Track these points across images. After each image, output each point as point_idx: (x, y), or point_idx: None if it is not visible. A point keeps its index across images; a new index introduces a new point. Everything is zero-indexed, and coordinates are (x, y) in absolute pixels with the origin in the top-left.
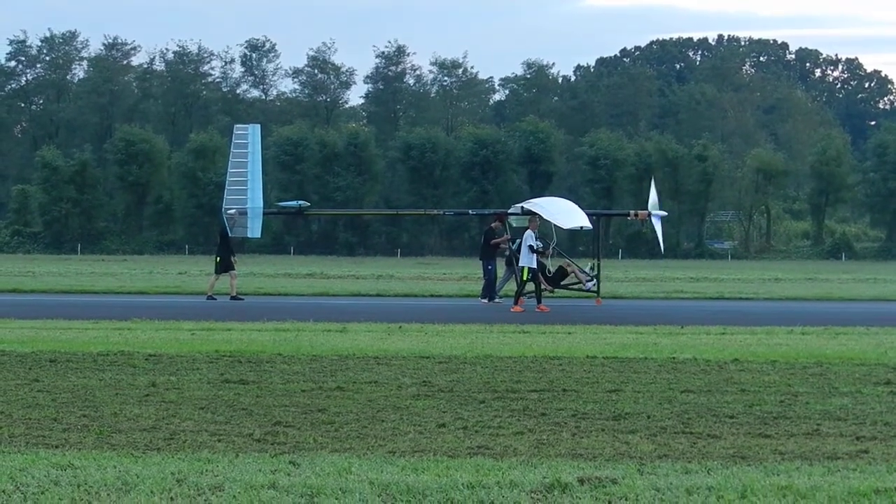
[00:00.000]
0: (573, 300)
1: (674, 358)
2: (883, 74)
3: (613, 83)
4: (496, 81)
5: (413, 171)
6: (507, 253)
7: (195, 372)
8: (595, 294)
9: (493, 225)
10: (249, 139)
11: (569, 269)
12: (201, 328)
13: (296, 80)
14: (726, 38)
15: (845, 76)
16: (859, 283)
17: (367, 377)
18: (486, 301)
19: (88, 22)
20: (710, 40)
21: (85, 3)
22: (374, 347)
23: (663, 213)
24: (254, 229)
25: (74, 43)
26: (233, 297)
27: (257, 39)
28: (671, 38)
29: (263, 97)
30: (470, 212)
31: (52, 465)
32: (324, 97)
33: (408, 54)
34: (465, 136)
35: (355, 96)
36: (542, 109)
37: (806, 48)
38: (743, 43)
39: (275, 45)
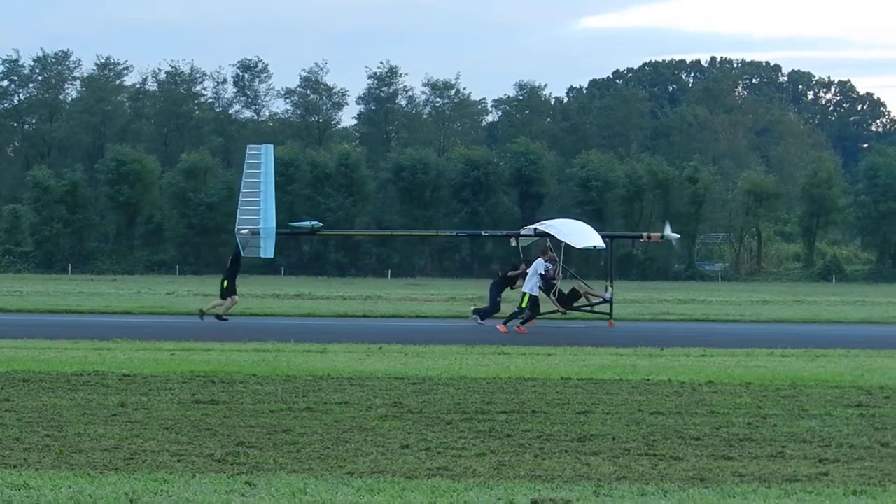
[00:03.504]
0: (586, 322)
1: (648, 380)
2: (875, 97)
3: (605, 105)
4: (489, 103)
5: (404, 192)
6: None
7: (167, 392)
8: (608, 316)
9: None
10: (262, 159)
11: (581, 290)
12: (182, 348)
13: (288, 100)
14: (719, 60)
15: (838, 98)
16: (847, 306)
17: (338, 398)
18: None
19: (81, 42)
20: (703, 62)
21: (78, 23)
22: (351, 368)
23: (676, 235)
24: (267, 249)
25: (67, 63)
26: (219, 317)
27: (250, 60)
28: (664, 60)
29: (256, 118)
30: (483, 233)
31: (6, 485)
32: (316, 118)
33: (400, 75)
34: (455, 156)
35: (347, 117)
36: (534, 131)
37: (798, 70)
38: (736, 65)
39: (267, 65)
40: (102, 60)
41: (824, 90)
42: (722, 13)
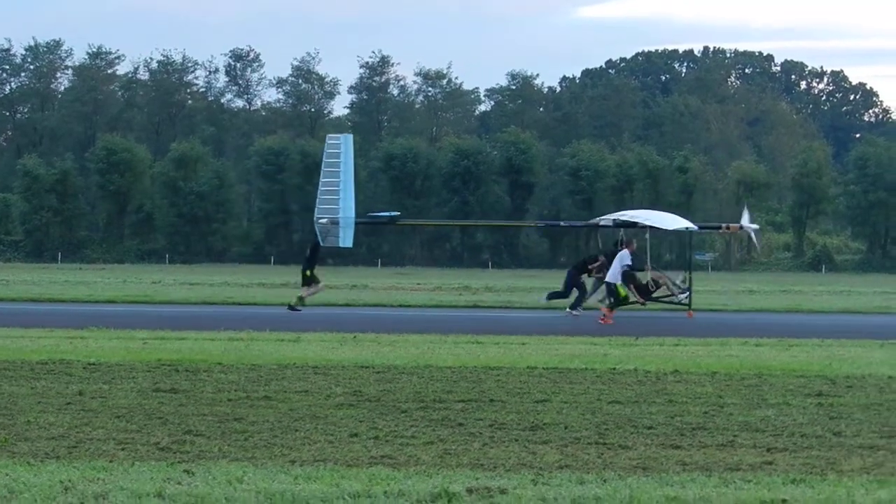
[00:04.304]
0: (665, 313)
1: (614, 369)
2: (868, 87)
3: (598, 94)
4: (482, 92)
5: (394, 181)
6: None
7: (130, 381)
8: (687, 306)
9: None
10: (342, 149)
11: (661, 281)
12: (155, 337)
13: (280, 89)
14: (712, 49)
15: (830, 88)
16: (832, 296)
17: (298, 386)
18: (574, 312)
19: (73, 31)
20: (696, 52)
21: (69, 13)
22: (319, 357)
23: (755, 226)
24: (346, 239)
25: (59, 52)
26: (293, 307)
27: (241, 49)
28: (657, 50)
29: (248, 107)
30: (561, 224)
31: None
32: (308, 107)
33: (392, 64)
34: (446, 146)
35: (340, 106)
36: (527, 120)
37: (791, 60)
38: (728, 55)
39: (259, 54)
40: (94, 50)
41: (817, 80)
42: (715, 3)
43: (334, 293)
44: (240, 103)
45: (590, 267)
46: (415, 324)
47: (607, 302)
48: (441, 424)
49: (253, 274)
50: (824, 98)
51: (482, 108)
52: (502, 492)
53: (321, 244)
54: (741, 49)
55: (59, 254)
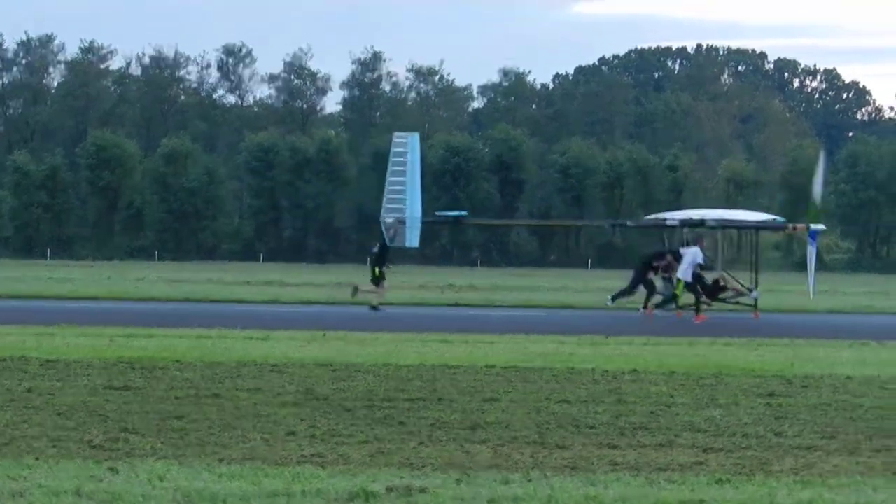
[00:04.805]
0: (730, 313)
1: (572, 368)
2: (861, 85)
3: (590, 91)
4: (475, 89)
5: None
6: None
7: (84, 378)
8: (754, 307)
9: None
10: (409, 147)
11: (728, 282)
12: (123, 334)
13: (272, 85)
14: (705, 47)
15: (824, 87)
16: (818, 295)
17: (252, 384)
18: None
19: (65, 25)
20: (689, 49)
21: (62, 7)
22: (282, 355)
23: (821, 226)
24: (412, 238)
25: (51, 46)
26: (373, 307)
27: (234, 45)
28: (650, 48)
29: (240, 103)
30: (629, 223)
31: None
32: (300, 103)
33: (384, 61)
34: (436, 143)
35: (332, 102)
36: (518, 117)
37: (785, 58)
38: (722, 52)
39: (251, 50)
40: (87, 44)
41: (810, 78)
42: (709, 1)
43: (318, 291)
44: (232, 99)
45: (655, 265)
46: (390, 322)
47: (658, 299)
48: (382, 423)
49: (239, 271)
50: (817, 96)
51: (475, 104)
52: (422, 491)
53: (388, 244)
54: (734, 47)
55: (49, 250)
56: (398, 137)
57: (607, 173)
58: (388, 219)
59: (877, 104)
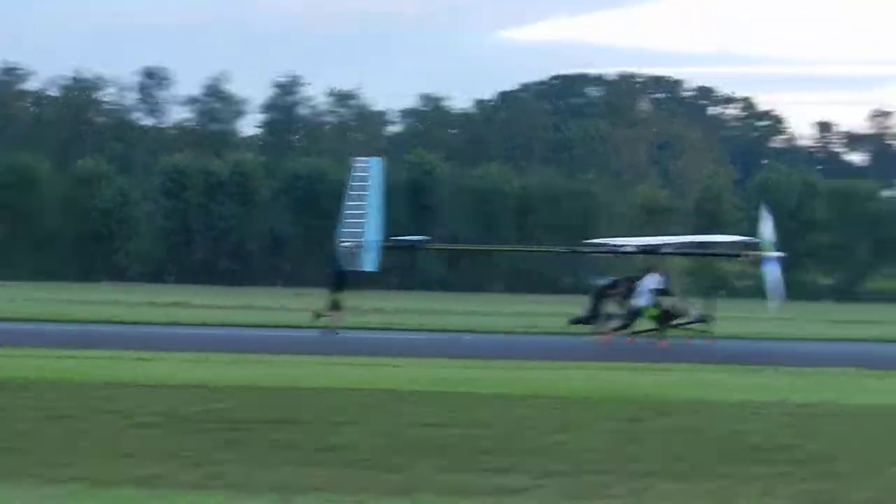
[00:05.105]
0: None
1: (443, 392)
2: (777, 113)
3: (510, 117)
4: (395, 113)
5: (298, 202)
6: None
7: None
8: (708, 333)
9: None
10: (370, 172)
11: (675, 309)
12: (5, 355)
13: (190, 108)
14: (625, 74)
15: (740, 114)
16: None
17: (112, 406)
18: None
19: None
20: (610, 76)
21: None
22: (162, 376)
23: (778, 254)
24: (369, 263)
25: None
26: (322, 328)
27: (153, 67)
28: (571, 74)
29: (158, 125)
30: (583, 250)
31: None
32: (218, 126)
33: (303, 84)
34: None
35: (250, 126)
36: (437, 142)
37: (703, 86)
38: (640, 79)
39: (170, 72)
40: (6, 65)
41: (727, 105)
42: (630, 29)
43: (218, 313)
44: (150, 121)
45: (609, 292)
46: (292, 345)
47: (616, 324)
48: (228, 445)
49: (146, 293)
50: (734, 124)
51: (394, 129)
52: None
53: (343, 268)
54: (653, 74)
55: None
56: (359, 162)
57: (521, 198)
58: (345, 243)
59: (792, 132)
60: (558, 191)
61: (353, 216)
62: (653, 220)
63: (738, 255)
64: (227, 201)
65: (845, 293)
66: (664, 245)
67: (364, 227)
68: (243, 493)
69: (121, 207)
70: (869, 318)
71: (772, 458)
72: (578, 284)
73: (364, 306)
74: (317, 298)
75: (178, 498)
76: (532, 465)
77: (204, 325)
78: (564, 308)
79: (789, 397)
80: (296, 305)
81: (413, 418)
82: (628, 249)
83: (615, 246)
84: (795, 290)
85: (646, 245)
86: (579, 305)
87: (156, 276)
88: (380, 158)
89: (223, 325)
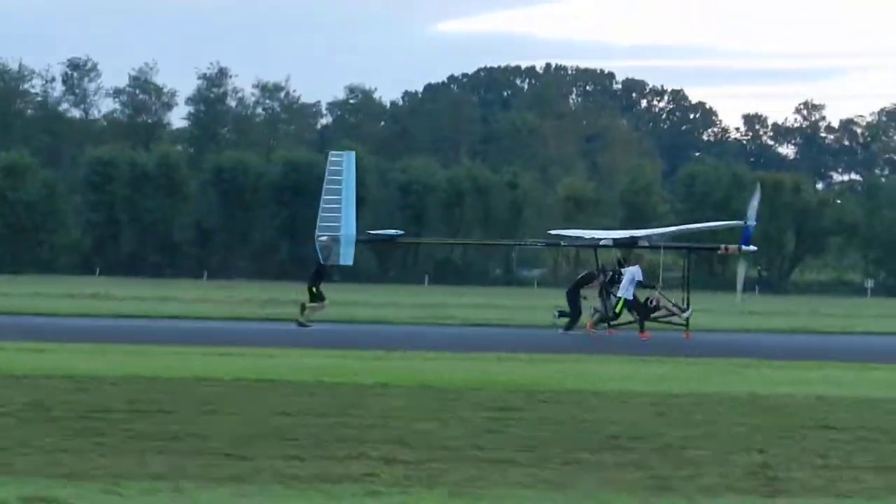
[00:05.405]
0: (662, 332)
1: (322, 381)
2: (707, 106)
3: (436, 109)
4: (324, 105)
5: (223, 195)
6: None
7: None
8: (685, 327)
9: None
10: (344, 166)
11: (660, 301)
12: None
13: (117, 100)
14: (553, 66)
15: (670, 107)
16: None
17: None
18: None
19: None
20: (538, 68)
21: None
22: (51, 368)
23: (753, 248)
24: (346, 256)
25: None
26: (301, 324)
27: (79, 58)
28: (499, 66)
29: (85, 117)
30: (561, 243)
31: None
32: (145, 118)
33: (230, 76)
34: (276, 159)
35: (178, 118)
36: (364, 134)
37: (632, 78)
38: (570, 72)
39: (97, 64)
40: None
41: (657, 98)
42: (561, 22)
43: (137, 304)
44: (77, 113)
45: (587, 286)
46: (197, 336)
47: (596, 315)
48: (80, 434)
49: (68, 285)
50: (664, 116)
51: (324, 121)
52: (52, 501)
53: (322, 262)
54: (582, 66)
55: None
56: (334, 156)
57: (447, 191)
58: (322, 237)
59: (723, 125)
60: (485, 183)
61: (329, 210)
62: (580, 212)
63: (716, 249)
64: (153, 193)
65: (772, 285)
66: (642, 238)
67: (340, 221)
68: (75, 482)
69: (46, 200)
70: (787, 309)
71: (626, 447)
72: (510, 277)
73: (282, 298)
74: (238, 291)
75: (6, 485)
76: (378, 453)
77: (118, 316)
78: (482, 299)
79: (670, 388)
80: (217, 297)
81: (277, 407)
82: (606, 243)
83: (592, 239)
84: (721, 281)
85: (623, 238)
86: (507, 297)
87: (84, 268)
88: (353, 153)
89: (138, 317)
